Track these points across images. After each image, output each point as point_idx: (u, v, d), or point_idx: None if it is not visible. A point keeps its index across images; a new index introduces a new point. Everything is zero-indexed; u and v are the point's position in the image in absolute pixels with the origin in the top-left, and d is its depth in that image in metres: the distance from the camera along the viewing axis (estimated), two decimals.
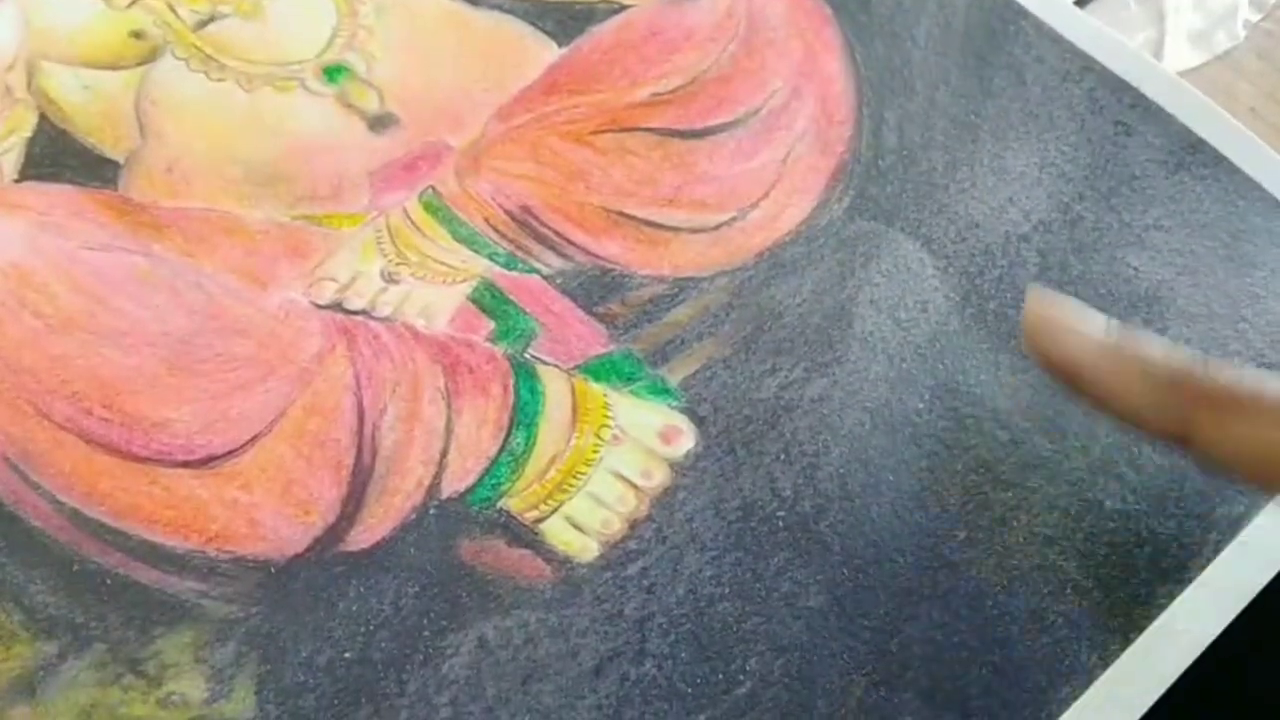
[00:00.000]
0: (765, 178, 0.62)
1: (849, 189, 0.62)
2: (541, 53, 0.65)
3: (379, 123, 0.61)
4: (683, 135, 0.63)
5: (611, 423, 0.54)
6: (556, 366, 0.56)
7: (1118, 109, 0.65)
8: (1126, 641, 0.51)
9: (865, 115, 0.65)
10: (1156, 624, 0.51)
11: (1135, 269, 0.60)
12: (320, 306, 0.56)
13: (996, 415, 0.56)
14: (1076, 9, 0.70)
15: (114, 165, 0.58)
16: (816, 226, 0.61)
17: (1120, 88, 0.66)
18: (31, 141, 0.58)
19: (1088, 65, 0.66)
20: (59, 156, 0.58)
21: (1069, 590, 0.52)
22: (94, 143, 0.59)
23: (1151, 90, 0.66)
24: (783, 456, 0.54)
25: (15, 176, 0.57)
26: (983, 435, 0.55)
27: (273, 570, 0.50)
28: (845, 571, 0.52)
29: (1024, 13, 0.69)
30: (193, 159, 0.59)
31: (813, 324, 0.58)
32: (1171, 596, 0.52)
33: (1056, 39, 0.68)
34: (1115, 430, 0.55)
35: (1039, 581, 0.52)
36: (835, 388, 0.56)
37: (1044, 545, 0.53)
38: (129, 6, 0.62)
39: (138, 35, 0.62)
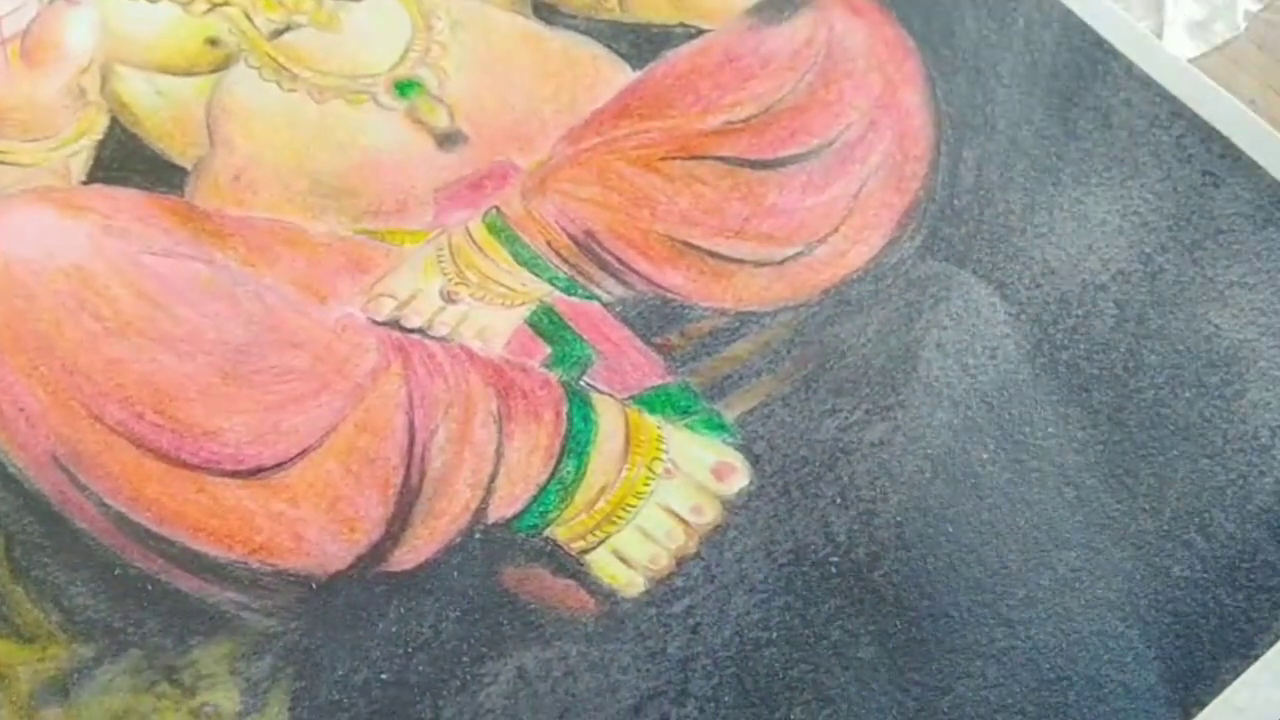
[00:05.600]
0: (835, 212, 0.61)
1: (922, 228, 0.61)
2: (615, 75, 0.64)
3: (448, 140, 0.61)
4: (753, 165, 0.61)
5: (664, 455, 0.53)
6: (611, 396, 0.54)
7: (1206, 158, 0.63)
8: (1186, 716, 0.49)
9: (943, 152, 0.64)
10: (1218, 700, 0.49)
11: (1216, 326, 0.58)
12: (378, 323, 0.55)
13: (1063, 471, 0.54)
14: (1168, 50, 0.68)
15: (181, 171, 0.58)
16: (886, 265, 0.60)
17: (1210, 136, 0.63)
18: (101, 144, 0.59)
19: (1177, 111, 0.64)
20: (128, 160, 0.58)
21: (1130, 658, 0.50)
22: (163, 148, 0.59)
23: (1243, 140, 0.63)
24: (839, 500, 0.53)
25: (83, 178, 0.58)
26: (1048, 491, 0.53)
27: (314, 586, 0.50)
28: (898, 623, 0.50)
29: (1114, 53, 0.67)
30: (260, 169, 0.59)
31: (876, 365, 0.56)
32: (1235, 672, 0.50)
33: (1147, 82, 0.66)
34: (1187, 494, 0.53)
35: (1099, 647, 0.50)
36: (896, 433, 0.55)
37: (1106, 610, 0.51)
38: (206, 13, 0.62)
39: (213, 42, 0.62)
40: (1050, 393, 0.56)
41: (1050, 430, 0.55)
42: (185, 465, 0.50)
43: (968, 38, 0.67)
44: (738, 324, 0.57)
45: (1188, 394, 0.56)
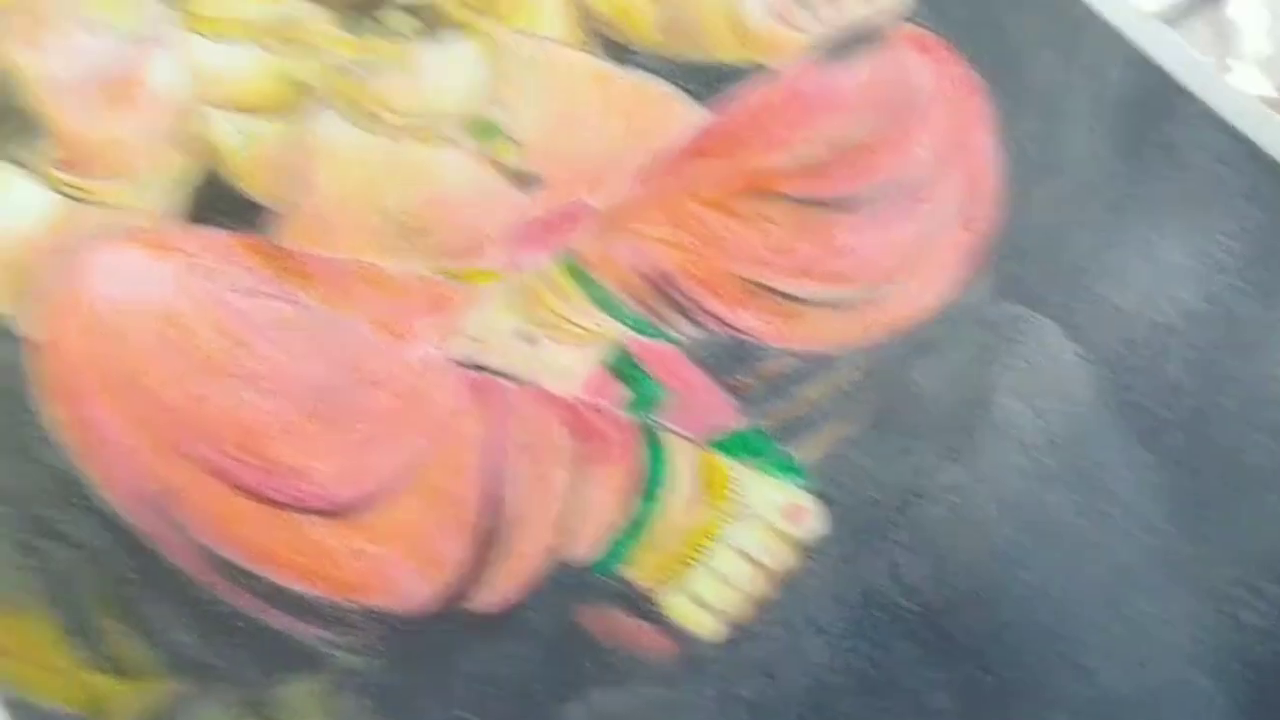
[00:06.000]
0: (905, 252, 0.61)
1: (991, 268, 0.61)
2: (685, 114, 0.65)
3: (521, 180, 0.62)
4: (823, 204, 0.62)
5: (737, 498, 0.54)
6: (684, 437, 0.55)
7: (1277, 198, 0.63)
8: None
9: (1012, 191, 0.64)
10: None
11: None
12: (456, 363, 0.56)
13: (1136, 516, 0.54)
14: (1238, 88, 0.68)
15: (265, 211, 0.59)
16: (956, 306, 0.60)
17: None
18: (187, 185, 0.60)
19: (1247, 150, 0.64)
20: (213, 200, 0.59)
21: (1204, 708, 0.50)
22: (247, 188, 0.60)
23: None
24: (911, 545, 0.53)
25: (170, 218, 0.59)
26: (1120, 536, 0.54)
27: (397, 624, 0.51)
28: (971, 670, 0.50)
29: (1183, 91, 0.66)
30: (341, 209, 0.60)
31: (948, 408, 0.57)
32: None
33: (1216, 120, 0.65)
34: (1261, 541, 0.53)
35: (1173, 696, 0.50)
36: (968, 476, 0.55)
37: (1180, 658, 0.51)
38: (287, 55, 0.63)
39: (296, 85, 0.63)
40: (1122, 436, 0.56)
41: (1122, 475, 0.55)
42: (272, 503, 0.51)
43: (1035, 76, 0.67)
44: (809, 365, 0.58)
45: (1260, 438, 0.56)
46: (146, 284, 0.55)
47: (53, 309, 0.55)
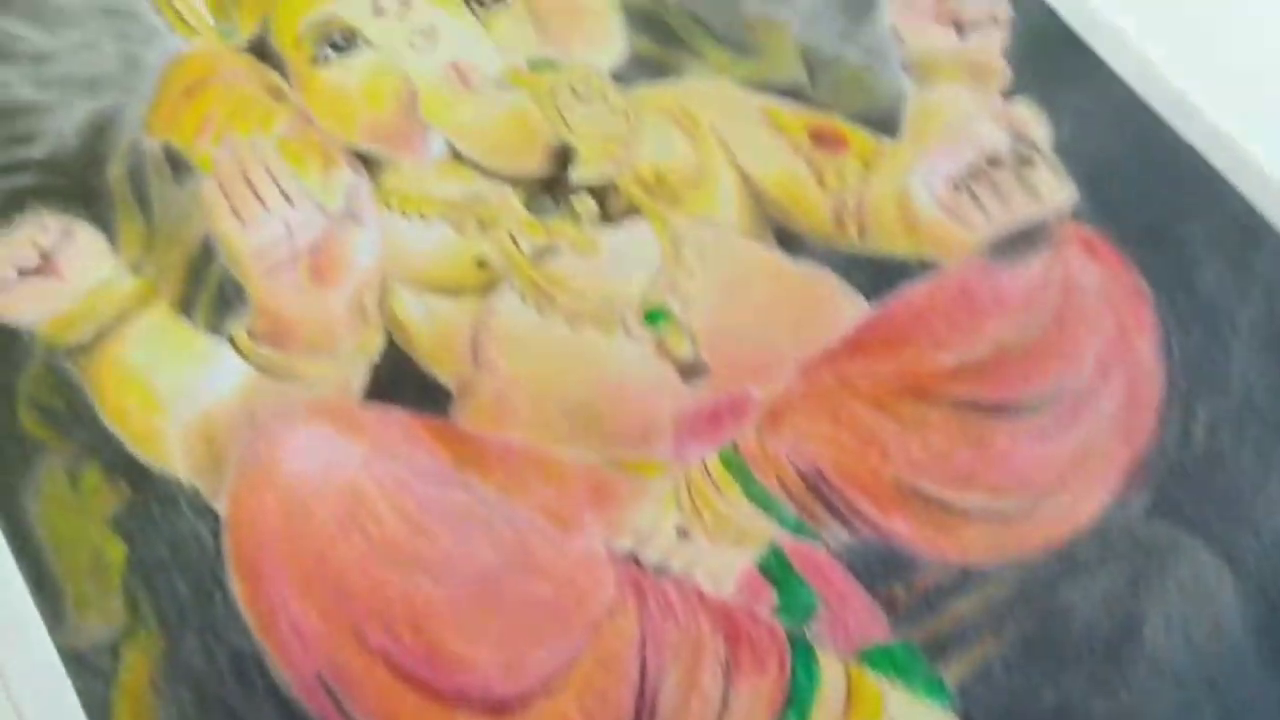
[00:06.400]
0: (1063, 464, 0.62)
1: (1150, 486, 0.61)
2: (850, 308, 0.67)
3: (691, 371, 0.64)
4: (985, 409, 0.63)
5: (884, 717, 0.55)
6: (833, 648, 0.56)
7: None
8: None
9: (1174, 406, 0.64)
10: None
11: None
12: (616, 557, 0.58)
13: None
14: None
15: (447, 393, 0.63)
16: (1112, 523, 0.60)
17: None
18: (377, 362, 0.63)
19: None
20: (400, 379, 0.63)
21: None
22: (432, 368, 0.64)
23: None
24: None
25: (360, 395, 0.62)
26: None
27: None
28: None
29: None
30: (518, 393, 0.63)
31: (1100, 634, 0.57)
32: None
33: None
34: None
35: None
36: (1119, 711, 0.55)
37: None
38: (475, 235, 0.67)
39: (481, 264, 0.66)
40: (1277, 676, 0.56)
41: (1276, 716, 0.55)
42: (437, 695, 0.54)
43: (1205, 287, 0.67)
44: (961, 579, 0.59)
45: None
46: (336, 463, 0.58)
47: (244, 482, 0.58)
